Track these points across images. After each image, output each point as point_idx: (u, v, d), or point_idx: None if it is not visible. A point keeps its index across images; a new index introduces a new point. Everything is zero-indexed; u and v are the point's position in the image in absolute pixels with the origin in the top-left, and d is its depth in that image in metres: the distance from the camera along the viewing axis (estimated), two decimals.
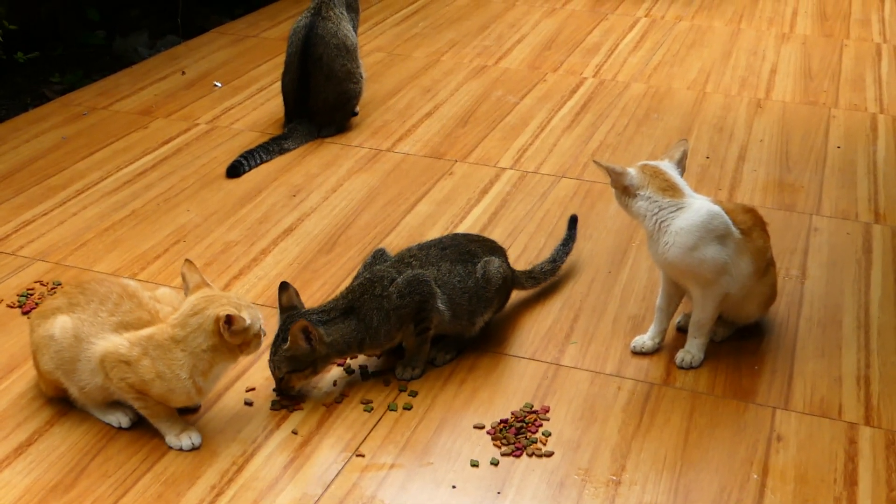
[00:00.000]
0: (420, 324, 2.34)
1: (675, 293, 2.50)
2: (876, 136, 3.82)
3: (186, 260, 2.17)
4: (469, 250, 2.49)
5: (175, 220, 3.06)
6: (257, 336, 2.10)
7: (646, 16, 5.22)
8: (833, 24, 5.20)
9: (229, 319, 2.03)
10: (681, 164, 2.47)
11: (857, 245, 3.04)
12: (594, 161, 2.41)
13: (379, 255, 2.51)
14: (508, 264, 2.57)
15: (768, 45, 4.81)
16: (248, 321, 2.06)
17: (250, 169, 3.38)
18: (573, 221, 2.87)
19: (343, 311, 2.30)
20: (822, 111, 4.05)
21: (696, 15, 5.26)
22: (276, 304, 2.33)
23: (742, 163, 3.57)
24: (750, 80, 4.37)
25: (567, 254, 2.80)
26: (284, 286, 2.31)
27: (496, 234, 3.02)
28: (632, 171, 2.39)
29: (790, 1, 5.57)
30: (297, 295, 2.34)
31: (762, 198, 3.32)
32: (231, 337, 2.05)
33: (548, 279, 2.74)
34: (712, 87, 4.26)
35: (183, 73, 4.23)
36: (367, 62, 4.34)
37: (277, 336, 2.25)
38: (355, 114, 3.80)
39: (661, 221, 2.36)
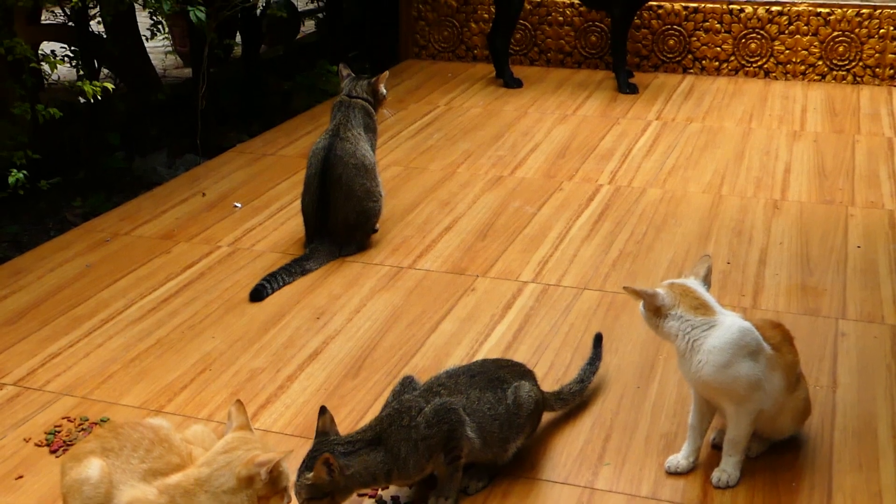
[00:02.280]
0: (450, 453, 2.32)
1: (708, 410, 2.48)
2: (895, 234, 3.83)
3: (237, 400, 2.16)
4: (498, 376, 2.48)
5: (200, 348, 3.06)
6: (285, 492, 2.07)
7: (657, 118, 5.28)
8: (843, 119, 5.25)
9: (276, 465, 2.00)
10: (706, 280, 2.47)
11: (886, 349, 3.02)
12: (624, 288, 2.41)
13: (407, 384, 2.50)
14: (538, 387, 2.56)
15: (780, 144, 4.85)
16: (289, 475, 2.03)
17: (273, 292, 3.39)
18: (598, 340, 2.86)
19: (369, 442, 2.27)
20: (839, 210, 4.06)
21: (707, 116, 5.32)
22: (304, 434, 2.31)
23: (763, 267, 3.57)
24: (765, 180, 4.40)
25: (594, 373, 2.79)
26: (323, 411, 2.30)
27: (521, 352, 3.02)
28: (661, 291, 2.39)
29: (798, 98, 5.64)
30: (333, 421, 2.31)
31: (786, 303, 3.31)
32: (264, 486, 2.01)
33: (576, 399, 2.73)
34: (728, 190, 4.28)
35: (203, 194, 4.28)
36: (385, 177, 4.39)
37: (304, 461, 2.23)
38: (375, 231, 3.82)
39: (694, 340, 2.36)
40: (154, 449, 2.10)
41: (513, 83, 5.88)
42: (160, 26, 4.57)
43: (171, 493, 2.03)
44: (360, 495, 2.36)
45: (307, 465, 2.21)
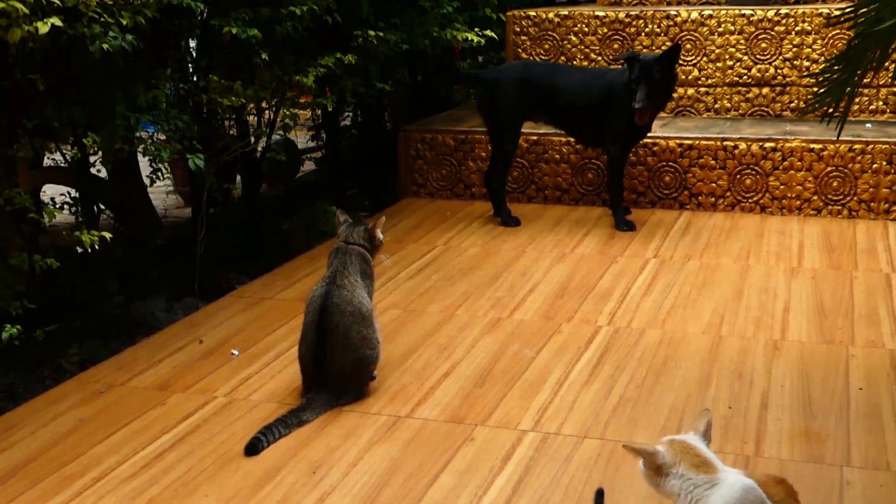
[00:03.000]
0: None
1: None
2: None
3: None
4: None
5: None
6: None
7: (655, 256, 5.30)
8: (840, 255, 5.26)
9: None
10: (706, 436, 2.44)
11: (893, 498, 2.96)
12: (623, 447, 2.38)
13: None
14: None
15: (779, 281, 4.86)
16: None
17: (269, 445, 3.34)
18: (600, 496, 2.80)
19: None
20: (839, 350, 4.03)
21: (704, 253, 5.34)
22: None
23: (765, 411, 3.53)
24: (764, 319, 4.38)
25: None
26: None
27: None
28: (661, 448, 2.36)
29: (795, 233, 5.67)
30: None
31: (789, 450, 3.26)
32: None
33: None
34: (727, 330, 4.27)
35: (201, 341, 4.26)
36: (383, 320, 4.38)
37: None
38: (373, 378, 3.80)
39: (697, 500, 2.31)
40: None
41: (510, 222, 5.93)
42: (160, 173, 4.62)
43: None
44: None
45: None
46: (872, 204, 5.93)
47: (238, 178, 6.29)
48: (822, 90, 3.05)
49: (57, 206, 4.61)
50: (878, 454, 3.22)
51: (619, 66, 5.84)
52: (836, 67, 2.98)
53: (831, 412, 3.52)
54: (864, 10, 2.82)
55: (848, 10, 2.88)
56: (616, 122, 5.71)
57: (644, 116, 5.56)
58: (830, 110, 3.06)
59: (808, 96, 5.22)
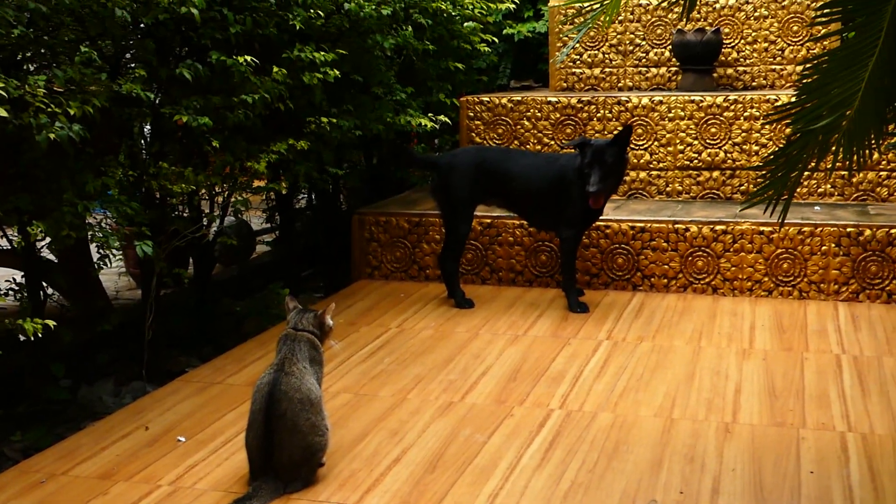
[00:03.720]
0: None
1: None
2: (847, 458, 3.80)
3: None
4: None
5: None
6: None
7: (607, 338, 5.31)
8: (791, 336, 5.30)
9: None
10: None
11: None
12: None
13: None
14: None
15: (730, 363, 4.88)
16: None
17: None
18: None
19: None
20: (790, 433, 4.04)
21: (657, 335, 5.36)
22: None
23: (717, 497, 3.51)
24: (716, 402, 4.39)
25: None
26: None
27: None
28: None
29: (746, 314, 5.71)
30: None
31: None
32: None
33: None
34: (679, 413, 4.26)
35: (146, 428, 4.18)
36: (334, 405, 4.34)
37: None
38: (322, 465, 3.74)
39: None
40: None
41: (464, 304, 5.93)
42: (108, 259, 4.58)
43: None
44: None
45: None
46: (822, 285, 6.00)
47: (190, 260, 6.25)
48: (764, 182, 3.09)
49: (1, 292, 4.55)
50: None
51: (572, 151, 5.92)
52: (779, 160, 3.03)
53: (783, 496, 3.51)
54: (802, 107, 2.88)
55: (788, 106, 2.93)
56: (569, 207, 5.77)
57: (599, 200, 5.63)
58: (773, 201, 3.10)
59: (758, 180, 5.32)
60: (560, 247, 6.01)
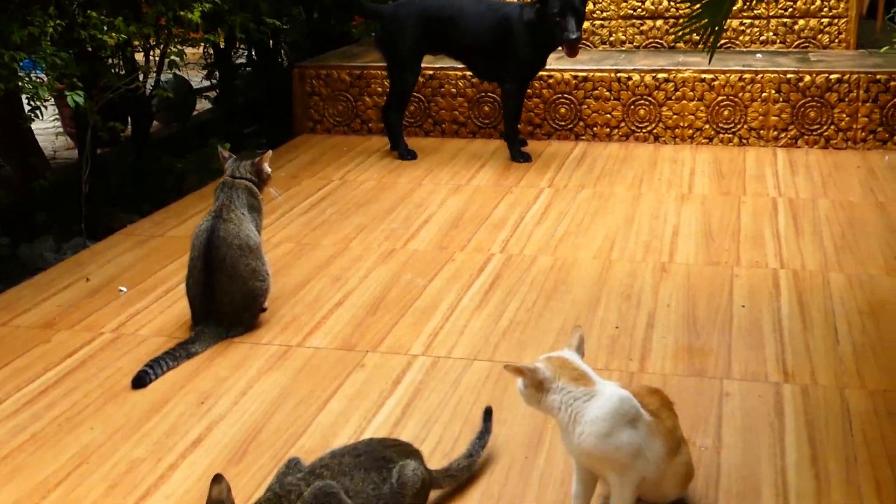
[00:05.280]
0: None
1: (591, 479, 2.47)
2: (779, 293, 3.90)
3: None
4: (384, 456, 2.45)
5: (78, 441, 2.96)
6: None
7: (549, 186, 5.35)
8: (729, 181, 5.37)
9: None
10: (579, 351, 2.48)
11: (770, 407, 3.06)
12: (505, 367, 2.41)
13: (292, 465, 2.46)
14: (425, 466, 2.53)
15: (669, 208, 4.94)
16: None
17: (157, 377, 3.31)
18: (488, 414, 2.84)
19: None
20: (724, 271, 4.13)
21: (598, 182, 5.40)
22: None
23: (651, 330, 3.60)
24: (653, 244, 4.46)
25: (483, 447, 2.77)
26: (218, 479, 2.23)
27: (411, 426, 2.98)
28: (540, 365, 2.39)
29: (687, 161, 5.76)
30: (229, 491, 2.25)
31: (673, 365, 3.33)
32: None
33: (465, 475, 2.69)
34: (617, 255, 4.33)
35: (87, 279, 4.18)
36: (276, 254, 4.35)
37: None
38: (264, 310, 3.77)
39: (576, 412, 2.35)
40: None
41: (407, 155, 5.92)
42: (38, 111, 4.49)
43: None
44: None
45: None
46: (762, 131, 6.05)
47: (129, 119, 6.14)
48: (695, 15, 3.08)
49: None
50: (757, 367, 3.31)
51: (516, 0, 5.82)
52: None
53: (714, 329, 3.61)
54: None
55: None
56: (512, 57, 5.70)
57: (576, 49, 5.50)
58: (703, 37, 3.09)
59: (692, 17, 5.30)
60: (503, 97, 5.98)
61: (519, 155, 5.83)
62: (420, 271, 4.20)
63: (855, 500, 2.60)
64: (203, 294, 3.58)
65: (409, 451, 2.53)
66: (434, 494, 2.60)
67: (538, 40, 5.60)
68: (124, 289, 4.09)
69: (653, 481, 2.43)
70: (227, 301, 3.57)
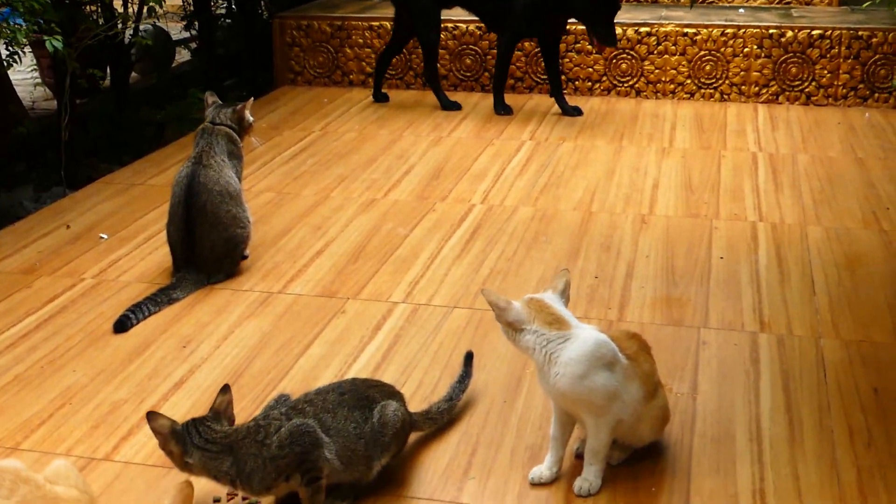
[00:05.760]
0: (307, 474, 2.30)
1: (569, 421, 2.50)
2: (757, 245, 3.94)
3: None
4: (367, 395, 2.48)
5: (60, 383, 2.98)
6: None
7: (530, 138, 5.35)
8: (710, 136, 5.39)
9: None
10: (564, 294, 2.49)
11: (745, 356, 3.10)
12: (482, 292, 2.43)
13: (281, 400, 2.51)
14: (406, 408, 2.56)
15: (650, 161, 4.96)
16: None
17: (138, 322, 3.32)
18: (468, 358, 2.87)
19: (223, 448, 2.28)
20: (704, 223, 4.16)
21: (580, 135, 5.41)
22: (166, 465, 2.30)
23: (630, 280, 3.63)
24: (634, 196, 4.48)
25: (463, 391, 2.80)
26: (225, 389, 2.36)
27: (391, 371, 3.01)
28: (517, 305, 2.41)
29: (668, 116, 5.78)
30: (230, 404, 2.36)
31: (651, 314, 3.37)
32: None
33: (445, 418, 2.73)
34: (598, 207, 4.36)
35: (68, 227, 4.17)
36: (257, 203, 4.35)
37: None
38: (245, 257, 3.78)
39: (551, 353, 2.38)
40: (18, 488, 2.02)
41: (450, 106, 5.88)
42: (17, 56, 4.45)
43: None
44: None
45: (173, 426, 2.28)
46: (743, 87, 6.07)
47: (108, 70, 6.09)
48: None
49: None
50: (733, 317, 3.35)
51: None
52: None
53: (692, 280, 3.64)
54: None
55: None
56: (511, 13, 5.64)
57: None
58: None
59: None
60: (497, 47, 5.91)
61: (501, 107, 5.82)
62: (401, 221, 4.21)
63: (827, 445, 2.64)
64: (184, 240, 3.58)
65: (392, 393, 2.56)
66: (414, 436, 2.63)
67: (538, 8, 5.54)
68: (105, 236, 4.08)
69: (629, 424, 2.46)
70: (207, 247, 3.57)
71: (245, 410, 2.81)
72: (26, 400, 2.89)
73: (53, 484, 2.09)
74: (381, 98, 6.07)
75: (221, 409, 2.33)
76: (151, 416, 2.29)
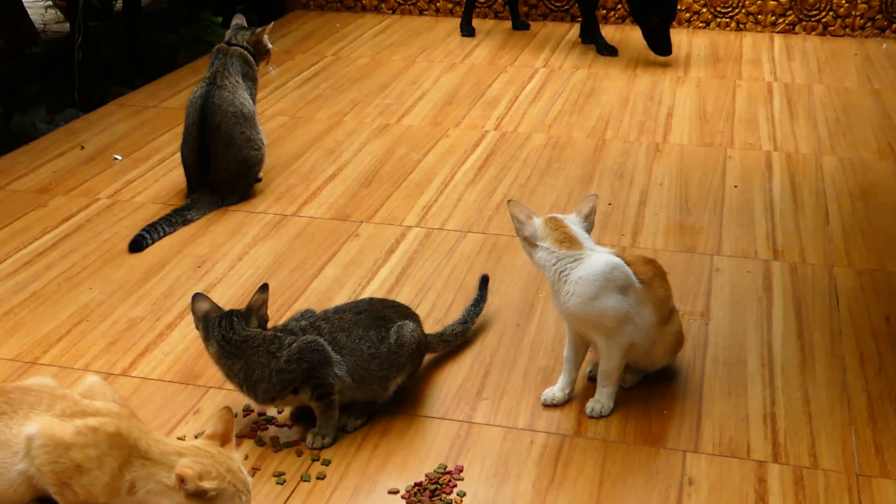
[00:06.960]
0: (316, 390, 2.33)
1: (582, 343, 2.52)
2: (771, 174, 3.93)
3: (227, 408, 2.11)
4: (384, 315, 2.50)
5: (77, 300, 3.00)
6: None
7: (544, 66, 5.31)
8: (725, 65, 5.35)
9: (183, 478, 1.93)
10: (588, 219, 2.49)
11: (758, 283, 3.11)
12: (508, 203, 2.44)
13: (305, 315, 2.54)
14: (421, 328, 2.58)
15: (664, 90, 4.93)
16: (212, 490, 1.95)
17: (153, 242, 3.34)
18: (484, 281, 2.88)
19: (237, 349, 2.33)
20: (718, 152, 4.15)
21: (593, 63, 5.37)
22: (183, 381, 2.32)
23: (643, 207, 3.63)
24: (647, 124, 4.46)
25: (478, 314, 2.82)
26: (263, 288, 2.41)
27: (404, 294, 3.03)
28: (537, 221, 2.42)
29: (683, 45, 5.72)
30: (264, 304, 2.41)
31: (664, 241, 3.37)
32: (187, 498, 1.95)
33: (459, 340, 2.75)
34: (611, 134, 4.34)
35: (82, 147, 4.17)
36: (270, 127, 4.35)
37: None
38: (259, 180, 3.78)
39: (561, 272, 2.39)
40: (56, 403, 2.05)
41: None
42: None
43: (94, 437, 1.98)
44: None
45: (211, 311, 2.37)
46: (759, 16, 6.00)
47: None
48: None
49: None
50: (746, 245, 3.36)
51: None
52: None
53: (706, 208, 3.64)
54: None
55: None
56: None
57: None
58: None
59: None
60: None
61: (605, 48, 5.56)
62: (414, 146, 4.21)
63: (838, 371, 2.67)
64: (198, 161, 3.58)
65: (408, 314, 2.58)
66: (428, 358, 2.66)
67: None
68: (119, 157, 4.08)
69: (643, 348, 2.48)
70: (222, 168, 3.58)
71: None
72: (44, 316, 2.92)
73: (90, 399, 2.11)
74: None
75: (256, 307, 2.37)
76: (196, 297, 2.38)
